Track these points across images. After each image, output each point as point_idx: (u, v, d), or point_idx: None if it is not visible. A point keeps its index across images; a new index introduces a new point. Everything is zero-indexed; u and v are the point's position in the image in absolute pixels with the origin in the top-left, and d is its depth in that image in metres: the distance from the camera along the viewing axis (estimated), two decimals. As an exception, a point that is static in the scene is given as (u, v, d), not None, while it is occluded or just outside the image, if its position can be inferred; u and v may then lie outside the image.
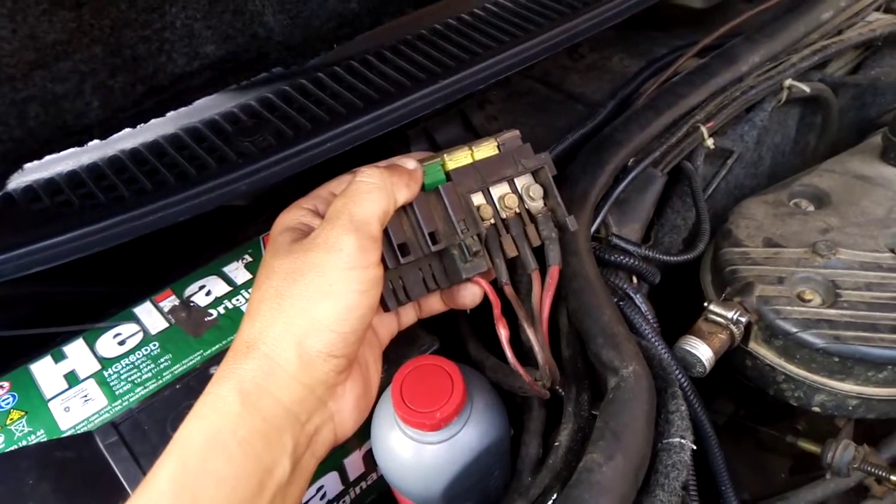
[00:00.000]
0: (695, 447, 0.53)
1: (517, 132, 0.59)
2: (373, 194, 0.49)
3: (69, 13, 0.50)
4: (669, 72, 0.88)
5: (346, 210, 0.49)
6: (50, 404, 0.57)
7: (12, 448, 0.54)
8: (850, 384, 0.65)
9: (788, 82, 0.87)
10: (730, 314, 0.65)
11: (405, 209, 0.54)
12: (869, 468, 0.67)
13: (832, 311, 0.65)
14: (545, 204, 0.59)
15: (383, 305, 0.54)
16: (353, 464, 0.61)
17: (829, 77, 0.94)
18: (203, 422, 0.44)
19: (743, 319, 0.65)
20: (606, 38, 1.01)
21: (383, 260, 0.51)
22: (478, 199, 0.57)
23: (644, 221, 0.75)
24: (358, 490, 0.63)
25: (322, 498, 0.60)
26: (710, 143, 0.80)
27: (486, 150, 0.58)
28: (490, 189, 0.57)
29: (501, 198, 0.57)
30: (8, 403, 0.57)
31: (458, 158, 0.57)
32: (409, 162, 0.54)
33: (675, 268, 0.73)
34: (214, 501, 0.41)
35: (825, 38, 0.94)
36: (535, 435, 0.59)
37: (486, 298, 0.57)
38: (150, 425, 0.55)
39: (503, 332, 0.54)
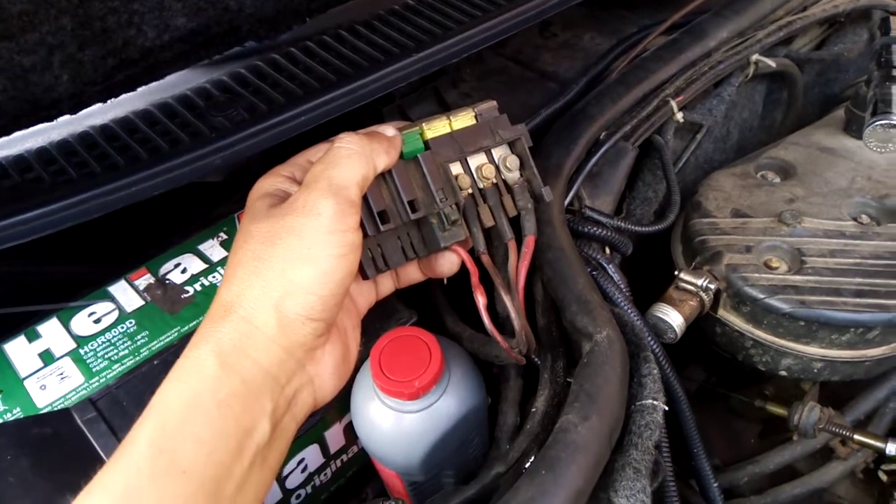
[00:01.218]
0: (667, 408, 0.54)
1: (494, 103, 0.60)
2: (352, 159, 0.49)
3: (35, -17, 0.49)
4: (639, 49, 0.89)
5: (324, 175, 0.48)
6: (25, 382, 0.56)
7: (-12, 426, 0.53)
8: (815, 347, 0.67)
9: (755, 58, 0.88)
10: (699, 282, 0.67)
11: (384, 177, 0.54)
12: (834, 429, 0.70)
13: (798, 278, 0.67)
14: (521, 175, 0.60)
15: (362, 273, 0.54)
16: (334, 436, 0.61)
17: (795, 53, 0.96)
18: (181, 384, 0.44)
19: (712, 287, 0.67)
20: (578, 16, 1.02)
21: (362, 227, 0.52)
22: (456, 168, 0.57)
23: (616, 194, 0.76)
24: (339, 463, 0.64)
25: (303, 471, 0.60)
26: (679, 117, 0.81)
27: (463, 119, 0.58)
28: (468, 159, 0.58)
29: (479, 168, 0.58)
30: (-19, 383, 0.56)
31: (437, 128, 0.57)
32: (389, 129, 0.55)
33: (646, 238, 0.75)
34: (193, 463, 0.41)
35: (790, 14, 0.95)
36: (512, 404, 0.60)
37: (463, 268, 0.57)
38: (128, 401, 0.55)
39: (481, 300, 0.55)
